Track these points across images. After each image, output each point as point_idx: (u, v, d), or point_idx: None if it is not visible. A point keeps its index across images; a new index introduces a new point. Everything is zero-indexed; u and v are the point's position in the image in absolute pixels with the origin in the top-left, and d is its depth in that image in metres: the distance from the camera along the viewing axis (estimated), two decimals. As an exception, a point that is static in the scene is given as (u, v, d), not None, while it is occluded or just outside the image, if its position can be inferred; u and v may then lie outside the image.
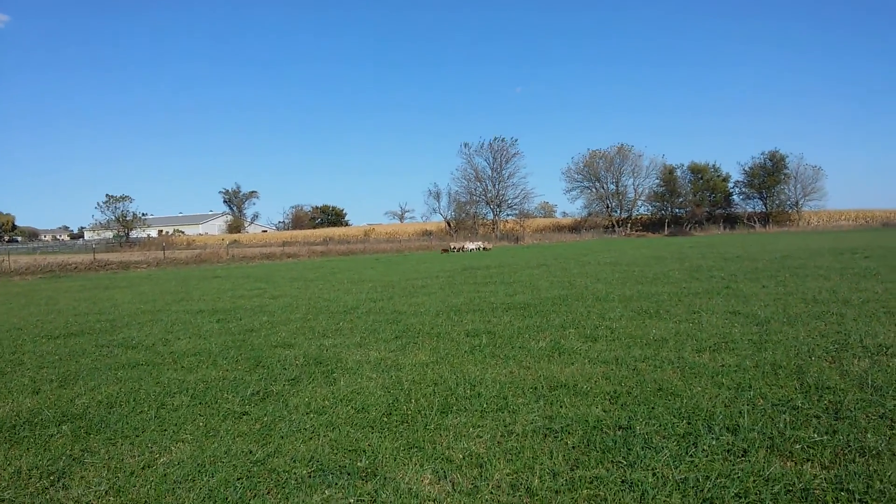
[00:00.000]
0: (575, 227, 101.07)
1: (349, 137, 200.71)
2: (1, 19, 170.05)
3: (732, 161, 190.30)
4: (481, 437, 4.67)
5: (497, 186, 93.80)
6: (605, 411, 5.13)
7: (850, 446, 4.16)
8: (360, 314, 11.83)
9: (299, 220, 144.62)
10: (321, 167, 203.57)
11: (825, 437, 4.31)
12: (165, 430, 5.18)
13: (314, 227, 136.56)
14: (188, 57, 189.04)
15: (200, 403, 5.90)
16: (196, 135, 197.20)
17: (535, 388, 5.94)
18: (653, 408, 5.13)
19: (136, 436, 5.06)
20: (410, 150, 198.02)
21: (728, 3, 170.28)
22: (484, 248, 52.69)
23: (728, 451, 4.17)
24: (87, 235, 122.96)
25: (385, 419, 5.18)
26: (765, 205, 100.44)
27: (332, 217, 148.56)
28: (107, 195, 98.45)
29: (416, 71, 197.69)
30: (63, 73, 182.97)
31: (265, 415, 5.44)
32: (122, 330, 11.10)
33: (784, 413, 4.86)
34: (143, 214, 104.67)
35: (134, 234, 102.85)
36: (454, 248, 50.89)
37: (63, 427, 5.34)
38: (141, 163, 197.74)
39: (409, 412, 5.33)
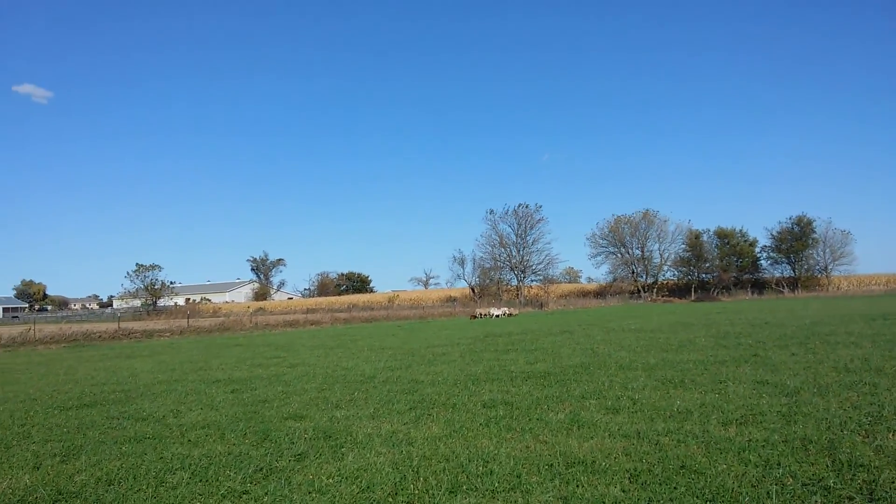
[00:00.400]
0: (600, 293, 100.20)
1: (375, 205, 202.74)
2: (45, 95, 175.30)
3: (759, 226, 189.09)
4: (490, 520, 4.40)
5: (521, 252, 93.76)
6: (623, 491, 4.83)
7: (889, 533, 3.84)
8: (377, 384, 11.59)
9: (325, 287, 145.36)
10: (347, 235, 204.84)
11: (861, 523, 3.99)
12: (162, 510, 4.96)
13: (339, 294, 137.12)
14: (216, 128, 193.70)
15: (201, 481, 5.68)
16: (224, 204, 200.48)
17: (552, 464, 5.65)
18: (675, 488, 4.83)
19: (131, 516, 4.85)
20: (436, 217, 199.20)
21: (752, 70, 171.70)
22: (509, 314, 52.28)
23: (755, 538, 3.87)
24: (115, 304, 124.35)
25: (390, 500, 4.92)
26: (793, 269, 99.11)
27: (357, 284, 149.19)
28: (137, 264, 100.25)
29: (444, 138, 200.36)
30: (95, 144, 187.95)
31: (266, 494, 5.21)
32: (136, 401, 10.94)
33: (815, 494, 4.54)
34: (171, 283, 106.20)
35: (161, 302, 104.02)
36: (481, 314, 50.55)
37: (57, 506, 5.15)
38: (171, 232, 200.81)
39: (417, 492, 5.07)
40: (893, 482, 4.69)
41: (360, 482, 5.39)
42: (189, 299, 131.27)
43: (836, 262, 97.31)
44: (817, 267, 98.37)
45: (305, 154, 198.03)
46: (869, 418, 6.76)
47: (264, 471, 5.93)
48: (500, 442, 6.63)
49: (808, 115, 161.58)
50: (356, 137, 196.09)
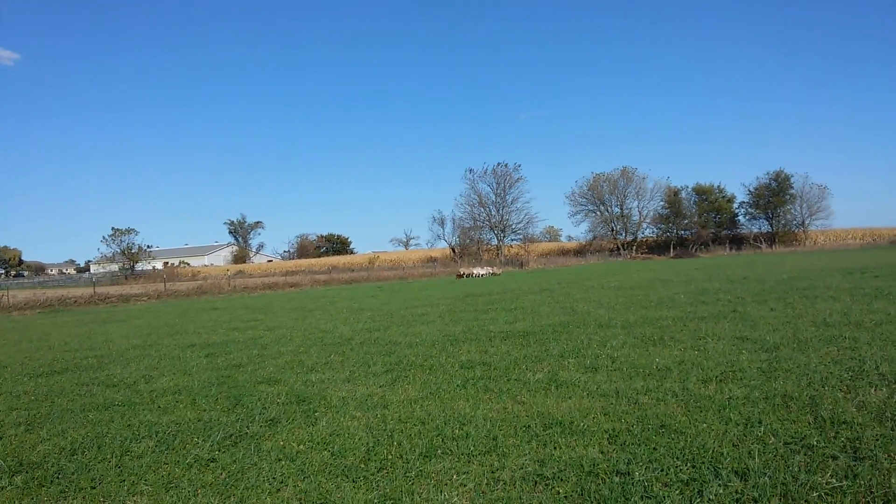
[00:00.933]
0: (580, 251, 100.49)
1: (355, 166, 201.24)
2: (11, 57, 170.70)
3: (737, 182, 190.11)
4: (465, 486, 4.25)
5: (501, 212, 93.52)
6: (602, 453, 4.71)
7: (872, 493, 3.74)
8: (354, 346, 11.43)
9: (304, 249, 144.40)
10: (327, 196, 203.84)
11: (845, 483, 3.89)
12: (124, 480, 4.77)
13: (319, 256, 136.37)
14: (193, 90, 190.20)
15: (168, 449, 5.49)
16: (202, 167, 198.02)
17: (529, 426, 5.51)
18: (654, 449, 4.71)
19: (92, 487, 4.67)
20: (416, 178, 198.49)
21: (731, 28, 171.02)
22: (493, 274, 52.41)
23: (737, 500, 3.75)
24: (93, 269, 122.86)
25: (362, 466, 4.76)
26: (771, 225, 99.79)
27: (337, 245, 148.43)
28: (112, 228, 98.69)
29: (421, 99, 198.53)
30: (70, 109, 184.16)
31: (234, 462, 5.03)
32: (108, 367, 10.70)
33: (798, 453, 4.43)
34: (149, 247, 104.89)
35: (139, 266, 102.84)
36: (466, 273, 50.58)
37: (15, 479, 4.95)
38: (147, 196, 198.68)
39: (390, 457, 4.91)
40: (878, 440, 4.59)
41: (333, 447, 5.23)
42: (167, 263, 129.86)
43: (813, 217, 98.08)
44: (794, 222, 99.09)
45: (282, 117, 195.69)
46: (850, 373, 6.68)
47: (234, 437, 5.75)
48: (477, 403, 6.48)
49: (784, 72, 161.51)
50: (334, 99, 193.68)
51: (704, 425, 5.19)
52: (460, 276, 50.01)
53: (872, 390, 5.96)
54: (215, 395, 7.68)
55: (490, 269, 54.13)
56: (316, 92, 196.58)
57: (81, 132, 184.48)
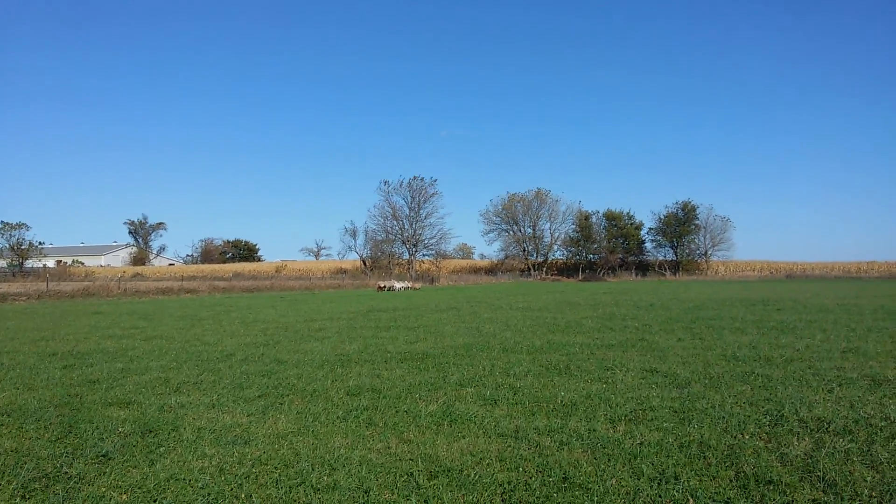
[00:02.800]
0: (491, 270, 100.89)
1: (266, 171, 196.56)
2: None
3: (646, 209, 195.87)
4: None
5: (414, 226, 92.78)
6: (493, 516, 3.87)
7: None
8: (234, 363, 10.30)
9: (209, 254, 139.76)
10: (236, 202, 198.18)
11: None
12: None
13: (224, 262, 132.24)
14: (97, 85, 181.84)
15: (-49, 495, 4.34)
16: (103, 163, 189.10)
17: (411, 473, 4.65)
18: (555, 511, 3.91)
19: None
20: (330, 188, 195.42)
21: (643, 59, 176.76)
22: (412, 288, 51.75)
23: None
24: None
25: (192, 529, 3.77)
26: (675, 254, 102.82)
27: (244, 252, 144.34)
28: (1, 222, 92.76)
29: (343, 109, 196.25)
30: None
31: (29, 518, 3.95)
32: (-60, 377, 9.23)
33: (723, 524, 3.72)
34: (41, 243, 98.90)
35: (29, 263, 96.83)
36: (387, 286, 49.59)
37: None
38: (43, 190, 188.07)
39: (230, 516, 3.94)
40: (812, 506, 3.94)
41: (163, 499, 4.21)
42: (60, 261, 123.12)
43: (716, 248, 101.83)
44: (698, 252, 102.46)
45: (192, 116, 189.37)
46: (768, 418, 6.11)
47: (47, 478, 4.65)
48: (356, 441, 5.57)
49: (696, 105, 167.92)
50: (249, 102, 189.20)
51: (613, 480, 4.45)
52: (381, 288, 49.16)
53: (795, 440, 5.38)
54: (49, 419, 6.47)
55: (408, 284, 53.34)
56: (230, 93, 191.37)
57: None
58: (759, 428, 5.76)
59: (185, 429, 6.02)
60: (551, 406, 6.78)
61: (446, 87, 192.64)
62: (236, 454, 5.23)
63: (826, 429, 5.72)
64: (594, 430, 5.73)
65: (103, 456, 5.20)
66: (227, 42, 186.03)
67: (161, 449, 5.39)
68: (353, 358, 10.60)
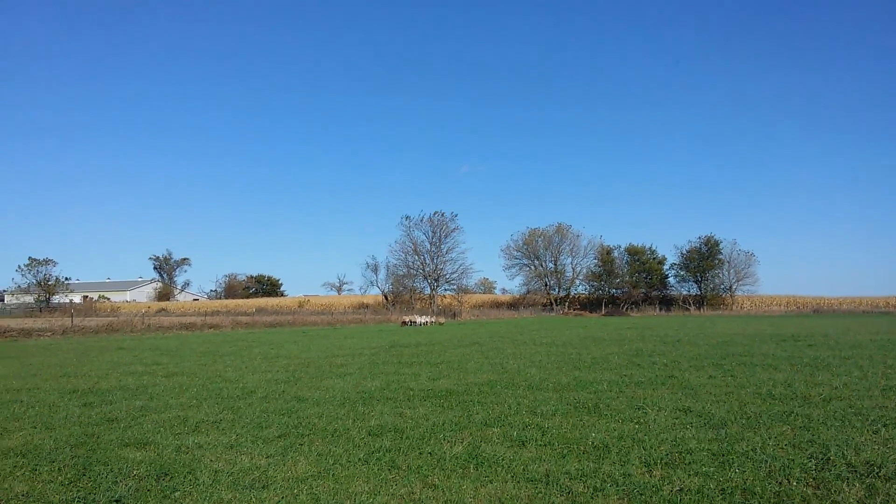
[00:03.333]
0: (513, 304, 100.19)
1: (288, 207, 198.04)
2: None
3: (669, 244, 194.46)
4: None
5: (435, 261, 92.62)
6: (526, 571, 3.60)
7: None
8: (255, 400, 10.10)
9: (232, 289, 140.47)
10: (259, 237, 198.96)
11: None
12: None
13: (248, 297, 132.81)
14: (121, 119, 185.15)
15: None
16: (128, 199, 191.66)
17: (437, 522, 4.39)
18: (593, 567, 3.63)
19: None
20: (351, 223, 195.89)
21: (665, 95, 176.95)
22: (438, 323, 51.69)
23: None
24: (6, 299, 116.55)
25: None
26: (699, 288, 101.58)
27: (268, 287, 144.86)
28: (29, 258, 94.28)
29: (364, 145, 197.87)
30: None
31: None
32: (-42, 415, 9.12)
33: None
34: (67, 279, 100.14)
35: (56, 299, 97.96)
36: (409, 321, 49.51)
37: None
38: (69, 226, 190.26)
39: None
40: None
41: (176, 550, 3.99)
42: (86, 297, 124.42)
43: (740, 283, 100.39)
44: (722, 286, 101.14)
45: (215, 153, 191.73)
46: (814, 461, 5.78)
47: (57, 527, 4.44)
48: (378, 486, 5.32)
49: (717, 138, 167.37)
50: (269, 139, 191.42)
51: (654, 531, 4.16)
52: (405, 323, 49.09)
53: (845, 486, 5.04)
54: (64, 461, 6.29)
55: (433, 318, 53.20)
56: (250, 131, 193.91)
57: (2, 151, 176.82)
58: (806, 473, 5.43)
59: (201, 471, 5.80)
60: (582, 448, 6.48)
61: (466, 122, 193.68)
62: (253, 499, 5.00)
63: (876, 473, 5.37)
64: (629, 475, 5.44)
65: (116, 501, 5.01)
66: (252, 79, 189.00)
67: (176, 493, 5.18)
68: (375, 395, 10.36)
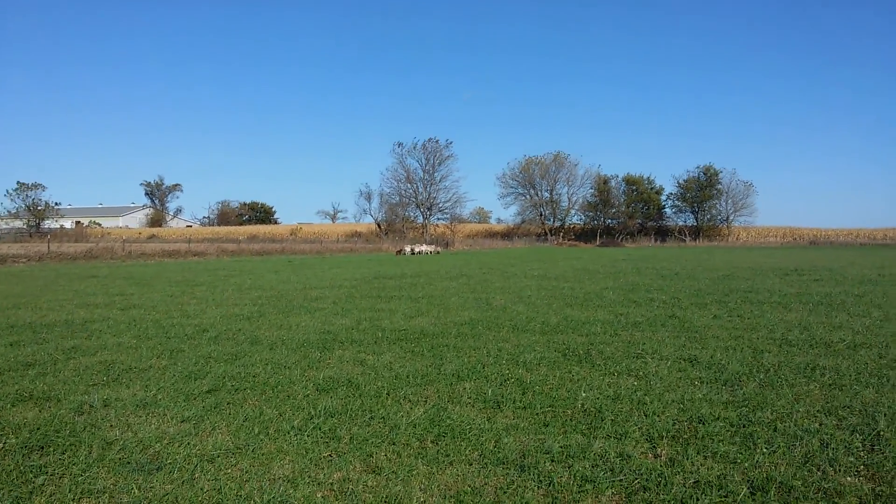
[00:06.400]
0: (507, 234, 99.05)
1: (283, 133, 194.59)
2: None
3: (667, 174, 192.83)
4: None
5: (428, 189, 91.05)
6: None
7: None
8: (203, 341, 8.91)
9: (225, 216, 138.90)
10: (253, 164, 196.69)
11: None
12: None
13: (241, 224, 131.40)
14: (114, 43, 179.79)
15: None
16: (121, 124, 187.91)
17: (369, 531, 3.20)
18: None
19: None
20: (349, 150, 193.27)
21: (667, 23, 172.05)
22: (436, 252, 51.13)
23: None
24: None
25: None
26: (696, 219, 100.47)
27: (261, 214, 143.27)
28: (18, 182, 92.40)
29: (366, 68, 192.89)
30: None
31: None
32: None
33: None
34: (57, 204, 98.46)
35: (47, 224, 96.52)
36: (410, 249, 48.67)
37: None
38: (61, 150, 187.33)
39: None
40: None
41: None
42: (78, 222, 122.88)
43: (738, 213, 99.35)
44: (719, 217, 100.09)
45: (209, 78, 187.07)
46: (859, 438, 4.58)
47: None
48: (306, 468, 4.14)
49: (718, 69, 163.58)
50: (265, 64, 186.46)
51: (664, 557, 2.97)
52: (400, 252, 48.35)
53: (911, 479, 3.86)
54: (-68, 423, 5.09)
55: (432, 247, 52.56)
56: (246, 56, 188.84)
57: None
58: (853, 455, 4.24)
59: (89, 443, 4.60)
60: (569, 413, 5.29)
61: (467, 46, 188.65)
62: (135, 489, 3.81)
63: (947, 458, 4.20)
64: (628, 457, 4.24)
65: (-46, 491, 3.80)
66: (245, 2, 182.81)
67: (39, 479, 3.98)
68: (340, 337, 9.17)
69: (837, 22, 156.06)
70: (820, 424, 4.89)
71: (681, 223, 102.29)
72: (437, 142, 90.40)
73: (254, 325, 10.42)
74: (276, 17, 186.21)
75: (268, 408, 5.51)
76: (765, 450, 4.35)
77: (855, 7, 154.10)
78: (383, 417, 5.20)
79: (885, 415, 5.08)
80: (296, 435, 4.77)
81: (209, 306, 13.22)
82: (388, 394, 5.94)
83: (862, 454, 4.27)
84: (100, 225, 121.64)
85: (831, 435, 4.63)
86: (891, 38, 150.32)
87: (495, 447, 4.48)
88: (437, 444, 4.58)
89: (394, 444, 4.58)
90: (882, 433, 4.65)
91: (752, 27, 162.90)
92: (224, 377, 6.65)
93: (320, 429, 4.91)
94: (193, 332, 9.70)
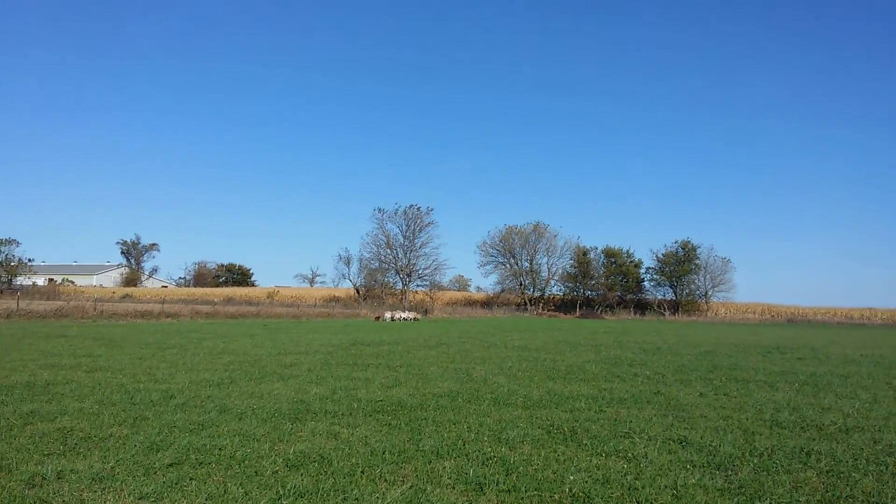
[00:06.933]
0: (487, 303, 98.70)
1: (261, 196, 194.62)
2: None
3: (645, 248, 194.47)
4: None
5: (408, 255, 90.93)
6: None
7: None
8: (169, 408, 8.47)
9: (202, 277, 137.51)
10: (230, 226, 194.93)
11: None
12: None
13: (217, 286, 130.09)
14: (91, 97, 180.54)
15: None
16: (96, 180, 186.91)
17: None
18: None
19: None
20: (327, 215, 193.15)
21: (643, 95, 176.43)
22: (416, 319, 50.78)
23: None
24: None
25: None
26: (675, 293, 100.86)
27: (238, 276, 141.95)
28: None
29: (338, 133, 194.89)
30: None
31: None
32: None
33: None
34: (30, 260, 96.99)
35: (19, 280, 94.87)
36: (389, 316, 48.36)
37: None
38: (35, 207, 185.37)
39: None
40: None
41: None
42: (51, 279, 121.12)
43: (716, 289, 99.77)
44: (698, 292, 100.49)
45: (186, 138, 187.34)
46: (867, 535, 4.30)
47: None
48: (271, 557, 3.76)
49: (696, 142, 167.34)
50: (244, 124, 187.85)
51: None
52: (378, 318, 48.15)
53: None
54: None
55: (413, 314, 52.39)
56: (224, 115, 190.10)
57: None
58: (864, 556, 3.96)
59: (32, 524, 4.20)
60: (557, 498, 4.96)
61: (447, 115, 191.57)
62: (79, 581, 3.42)
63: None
64: (622, 551, 3.92)
65: None
66: (221, 58, 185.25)
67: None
68: (314, 407, 8.76)
69: (813, 92, 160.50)
70: (823, 516, 4.59)
71: (660, 297, 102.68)
72: (418, 208, 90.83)
73: (224, 392, 9.98)
74: (257, 75, 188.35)
75: (233, 485, 5.12)
76: (769, 546, 4.04)
77: (828, 69, 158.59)
78: (357, 499, 4.84)
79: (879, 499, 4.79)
80: (261, 518, 4.39)
81: (179, 371, 12.74)
82: (362, 472, 5.57)
83: (873, 553, 3.98)
84: (73, 283, 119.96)
85: (837, 529, 4.34)
86: (881, 109, 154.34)
87: (478, 537, 4.13)
88: (415, 531, 4.23)
89: (368, 530, 4.21)
90: (891, 529, 4.36)
91: (728, 99, 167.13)
92: (188, 449, 6.23)
93: (288, 512, 4.53)
94: (160, 399, 9.25)
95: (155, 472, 5.44)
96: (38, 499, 4.68)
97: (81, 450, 6.19)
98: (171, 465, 5.69)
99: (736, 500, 4.94)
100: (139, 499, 4.76)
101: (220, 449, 6.28)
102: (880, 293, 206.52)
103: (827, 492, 5.22)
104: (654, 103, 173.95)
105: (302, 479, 5.28)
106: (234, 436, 6.88)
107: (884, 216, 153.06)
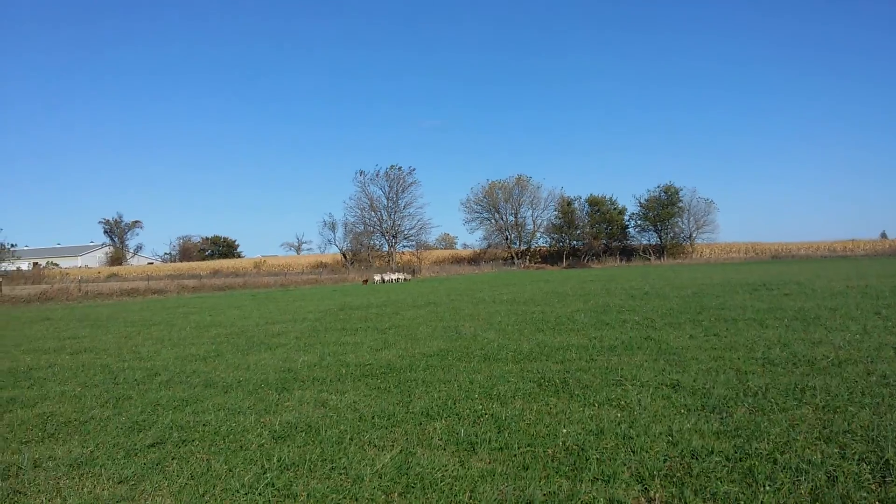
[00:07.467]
0: (474, 260, 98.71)
1: (244, 165, 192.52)
2: None
3: (629, 194, 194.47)
4: None
5: (393, 216, 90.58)
6: None
7: None
8: (153, 386, 8.30)
9: (187, 251, 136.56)
10: (213, 196, 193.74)
11: None
12: None
13: (204, 259, 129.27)
14: (69, 81, 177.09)
15: None
16: (76, 162, 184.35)
17: None
18: None
19: None
20: (312, 180, 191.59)
21: (628, 42, 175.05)
22: (406, 280, 50.92)
23: None
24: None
25: None
26: (659, 237, 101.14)
27: (224, 249, 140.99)
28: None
29: (320, 98, 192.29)
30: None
31: None
32: None
33: None
34: (13, 245, 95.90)
35: (3, 266, 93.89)
36: (380, 279, 48.24)
37: None
38: (15, 191, 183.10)
39: None
40: None
41: None
42: (35, 263, 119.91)
43: (700, 231, 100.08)
44: (682, 235, 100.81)
45: (167, 112, 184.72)
46: (868, 468, 4.19)
47: None
48: (256, 535, 3.62)
49: (678, 86, 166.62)
50: (222, 95, 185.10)
51: None
52: (367, 281, 48.13)
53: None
54: None
55: (403, 275, 52.33)
56: (205, 87, 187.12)
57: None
58: (864, 489, 3.84)
59: (7, 517, 4.03)
60: (550, 452, 4.84)
61: (426, 74, 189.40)
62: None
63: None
64: (619, 504, 3.80)
65: None
66: (204, 35, 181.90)
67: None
68: (301, 375, 8.62)
69: (798, 31, 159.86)
70: (822, 454, 4.50)
71: (644, 242, 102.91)
72: (399, 169, 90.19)
73: (210, 367, 9.81)
74: (236, 50, 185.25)
75: (216, 462, 4.96)
76: (768, 487, 3.94)
77: (815, 17, 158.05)
78: (345, 468, 4.69)
79: (890, 441, 4.70)
80: (246, 494, 4.25)
81: (164, 347, 12.55)
82: (351, 439, 5.42)
83: (873, 487, 3.89)
84: (58, 266, 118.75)
85: (837, 466, 4.24)
86: (853, 47, 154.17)
87: (471, 499, 4.00)
88: (405, 496, 4.10)
89: (356, 500, 4.07)
90: (891, 462, 4.27)
91: (710, 39, 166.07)
92: (171, 427, 6.07)
93: (274, 485, 4.39)
94: (144, 377, 9.07)
95: (135, 454, 5.28)
96: (11, 490, 4.51)
97: (61, 435, 6.02)
98: (152, 445, 5.53)
99: (733, 443, 4.84)
100: (118, 483, 4.60)
101: (203, 425, 6.12)
102: (862, 224, 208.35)
103: (824, 427, 5.13)
104: (631, 50, 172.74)
105: (288, 451, 5.14)
106: (219, 410, 6.72)
107: (863, 150, 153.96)
